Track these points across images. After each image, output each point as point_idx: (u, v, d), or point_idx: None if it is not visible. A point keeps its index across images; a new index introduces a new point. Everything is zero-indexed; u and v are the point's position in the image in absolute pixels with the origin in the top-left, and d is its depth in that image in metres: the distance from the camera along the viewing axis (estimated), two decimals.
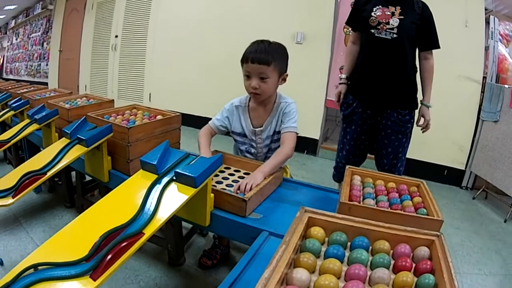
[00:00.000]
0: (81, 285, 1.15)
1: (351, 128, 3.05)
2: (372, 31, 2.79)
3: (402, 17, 2.72)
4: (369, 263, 1.08)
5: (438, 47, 2.85)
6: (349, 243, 1.16)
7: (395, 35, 2.73)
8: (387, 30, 2.74)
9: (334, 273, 0.97)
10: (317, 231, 1.15)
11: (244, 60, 2.20)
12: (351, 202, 1.49)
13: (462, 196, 4.59)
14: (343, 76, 3.15)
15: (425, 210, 1.54)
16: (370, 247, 1.14)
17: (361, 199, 1.65)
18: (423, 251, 1.09)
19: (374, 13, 2.78)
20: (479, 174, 4.53)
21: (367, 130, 2.99)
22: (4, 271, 2.44)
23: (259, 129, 2.34)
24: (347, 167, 1.93)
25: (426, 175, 4.73)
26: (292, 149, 2.19)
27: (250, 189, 1.80)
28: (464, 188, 4.80)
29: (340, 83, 3.19)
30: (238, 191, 1.83)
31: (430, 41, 2.83)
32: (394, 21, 2.72)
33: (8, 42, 15.65)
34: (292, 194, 2.02)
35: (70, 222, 1.44)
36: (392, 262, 1.08)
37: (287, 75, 2.28)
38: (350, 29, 3.14)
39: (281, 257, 0.94)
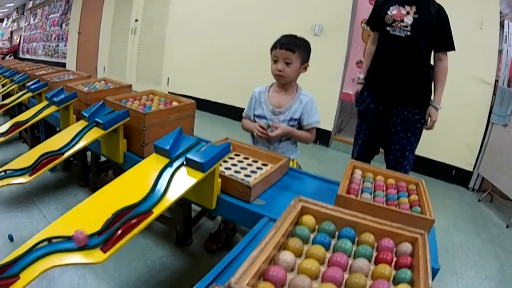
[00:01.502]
0: (92, 256, 1.27)
1: (365, 123, 3.17)
2: (387, 28, 2.90)
3: (416, 16, 2.80)
4: (352, 253, 1.16)
5: (453, 48, 2.89)
6: (337, 233, 1.25)
7: (409, 33, 2.82)
8: (402, 27, 2.83)
9: (317, 258, 1.07)
10: (308, 219, 1.26)
11: (274, 47, 2.54)
12: (347, 195, 1.57)
13: (468, 197, 4.62)
14: (362, 76, 3.26)
15: (419, 209, 1.61)
16: (356, 239, 1.23)
17: (359, 192, 1.73)
18: (406, 247, 1.17)
19: (390, 12, 2.87)
20: (486, 176, 4.56)
21: (379, 125, 3.07)
22: (14, 247, 2.48)
23: (278, 109, 2.60)
24: (349, 161, 2.03)
25: (434, 173, 4.83)
26: (313, 138, 2.66)
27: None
28: (470, 189, 4.83)
29: (358, 83, 3.30)
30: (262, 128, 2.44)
31: (444, 42, 2.88)
32: (409, 19, 2.81)
33: (25, 22, 15.71)
34: (297, 184, 2.12)
35: (83, 200, 1.56)
36: (375, 254, 1.17)
37: (308, 65, 2.59)
38: (369, 28, 3.21)
39: (270, 240, 1.04)
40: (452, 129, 4.17)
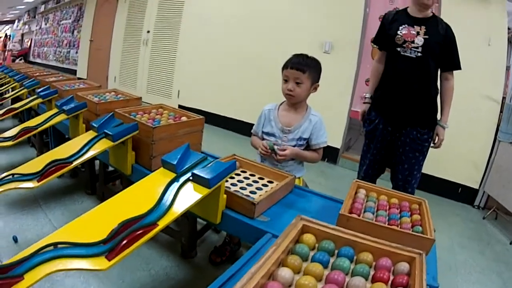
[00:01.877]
0: (97, 263, 1.33)
1: (373, 143, 3.18)
2: (398, 49, 2.92)
3: (426, 36, 2.83)
4: (350, 271, 1.21)
5: (459, 68, 2.93)
6: (336, 251, 1.30)
7: (419, 54, 2.84)
8: (412, 48, 2.85)
9: (315, 275, 1.11)
10: (308, 237, 1.31)
11: (284, 67, 2.59)
12: (349, 214, 1.62)
13: (473, 215, 4.63)
14: (368, 95, 3.30)
15: (420, 228, 1.64)
16: (355, 257, 1.28)
17: (362, 212, 1.77)
18: (403, 266, 1.21)
19: (400, 32, 2.90)
20: (492, 194, 4.58)
21: (387, 145, 3.09)
22: (18, 248, 2.56)
23: (287, 128, 2.64)
24: (354, 180, 2.07)
25: (440, 191, 4.84)
26: (320, 157, 2.72)
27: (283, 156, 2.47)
28: (476, 207, 4.85)
29: (364, 102, 3.34)
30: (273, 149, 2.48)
31: (452, 62, 2.92)
32: (419, 40, 2.83)
33: (37, 26, 15.90)
34: (301, 202, 2.15)
35: (89, 208, 1.61)
36: (372, 273, 1.21)
37: (318, 85, 2.65)
38: (376, 46, 3.24)
39: (270, 257, 1.09)
40: (459, 147, 4.20)
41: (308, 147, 2.69)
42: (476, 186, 4.85)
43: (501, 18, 4.52)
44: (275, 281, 1.07)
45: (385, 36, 3.05)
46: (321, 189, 2.65)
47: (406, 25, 2.91)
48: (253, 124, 2.81)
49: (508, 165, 4.33)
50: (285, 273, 1.09)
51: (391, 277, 1.19)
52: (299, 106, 2.68)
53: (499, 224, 4.40)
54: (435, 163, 4.03)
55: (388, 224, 1.66)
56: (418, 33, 2.86)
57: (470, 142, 4.72)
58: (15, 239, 2.66)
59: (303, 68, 2.51)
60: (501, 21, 4.53)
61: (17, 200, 3.23)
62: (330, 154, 5.81)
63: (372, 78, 3.27)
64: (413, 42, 2.85)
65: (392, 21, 3.03)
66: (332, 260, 1.25)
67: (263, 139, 2.72)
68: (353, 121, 5.99)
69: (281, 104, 2.77)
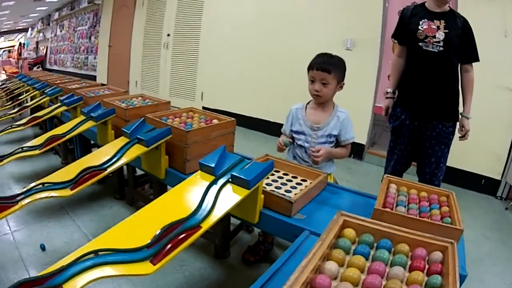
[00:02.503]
0: (141, 269, 1.36)
1: (400, 139, 3.25)
2: (420, 44, 2.99)
3: (447, 30, 2.91)
4: (389, 261, 1.29)
5: (478, 59, 3.00)
6: (375, 244, 1.38)
7: (441, 48, 2.92)
8: (434, 43, 2.92)
9: (359, 267, 1.20)
10: (349, 232, 1.39)
11: (310, 67, 2.68)
12: (383, 209, 1.72)
13: (496, 206, 4.63)
14: (390, 90, 3.37)
15: (449, 219, 1.72)
16: (393, 249, 1.36)
17: (394, 206, 1.86)
18: (437, 255, 1.28)
19: (421, 27, 2.96)
20: None
21: (413, 140, 3.16)
22: (46, 256, 2.67)
23: (316, 125, 2.73)
24: (384, 176, 2.17)
25: (464, 183, 4.86)
26: (348, 152, 2.84)
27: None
28: (499, 198, 4.84)
29: (386, 97, 3.41)
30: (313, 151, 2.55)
31: (471, 54, 2.99)
32: (440, 35, 2.91)
33: (51, 33, 16.01)
34: (335, 198, 2.24)
35: (119, 213, 1.66)
36: (409, 262, 1.29)
37: (343, 83, 2.74)
38: (396, 41, 3.30)
39: (317, 251, 1.18)
40: (480, 139, 4.19)
41: (337, 143, 2.78)
42: (498, 177, 4.85)
43: None
44: (322, 274, 1.15)
45: (406, 31, 3.10)
46: (349, 185, 2.73)
47: (426, 20, 2.97)
48: (279, 123, 2.90)
49: None
50: (331, 266, 1.18)
51: (426, 266, 1.27)
52: (326, 104, 2.76)
53: None
54: (458, 156, 4.02)
55: (419, 217, 1.75)
56: (438, 28, 2.92)
57: (491, 134, 4.72)
58: (43, 247, 2.73)
59: (329, 69, 2.58)
60: None
61: (43, 208, 3.30)
62: (356, 150, 5.83)
63: (393, 73, 3.36)
64: (434, 36, 2.92)
65: (411, 16, 3.08)
66: (372, 252, 1.34)
67: (292, 137, 2.81)
68: (377, 116, 5.97)
69: (308, 103, 2.86)
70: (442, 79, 3.01)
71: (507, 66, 4.58)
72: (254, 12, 6.94)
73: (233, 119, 2.78)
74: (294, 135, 2.82)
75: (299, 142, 2.79)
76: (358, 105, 5.62)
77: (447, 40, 2.91)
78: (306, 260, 1.13)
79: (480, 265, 3.19)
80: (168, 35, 8.44)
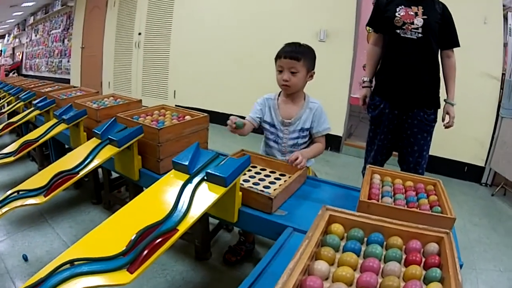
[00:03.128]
0: (119, 278, 1.28)
1: (380, 129, 3.14)
2: (398, 31, 2.88)
3: (425, 16, 2.81)
4: (383, 257, 1.21)
5: (458, 45, 2.94)
6: (365, 239, 1.29)
7: (420, 35, 2.82)
8: (412, 30, 2.83)
9: (351, 265, 1.11)
10: (337, 227, 1.30)
11: (278, 57, 2.52)
12: (369, 201, 1.63)
13: (482, 192, 4.66)
14: (366, 79, 3.25)
15: (439, 208, 1.65)
16: (385, 243, 1.28)
17: (380, 197, 1.77)
18: (433, 247, 1.21)
19: (398, 13, 2.86)
20: (498, 170, 4.61)
21: (393, 129, 3.07)
22: (29, 266, 2.58)
23: (287, 120, 2.58)
24: (367, 166, 2.07)
25: (447, 171, 4.86)
26: (324, 146, 2.61)
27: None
28: (483, 184, 4.87)
29: (363, 86, 3.28)
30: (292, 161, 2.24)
31: (452, 40, 2.92)
32: (419, 21, 2.81)
33: (27, 38, 15.91)
34: (316, 192, 2.16)
35: (97, 218, 1.57)
36: (404, 256, 1.20)
37: (314, 72, 2.58)
38: (372, 30, 3.23)
39: (304, 251, 1.08)
40: (462, 126, 4.18)
41: (311, 136, 2.65)
42: (482, 164, 4.88)
43: None
44: (312, 275, 1.06)
45: (382, 19, 3.00)
46: (328, 178, 2.66)
47: (402, 6, 2.88)
48: None
49: None
50: (321, 266, 1.09)
51: (423, 259, 1.19)
52: (296, 96, 2.63)
53: (508, 200, 4.43)
54: (440, 144, 4.02)
55: (407, 207, 1.67)
56: (416, 14, 2.84)
57: (473, 121, 4.73)
58: (25, 258, 2.65)
59: (298, 56, 2.44)
60: None
61: (23, 216, 3.22)
62: (333, 142, 5.84)
63: (369, 61, 3.26)
64: (412, 23, 2.83)
65: (387, 3, 2.99)
66: (363, 247, 1.25)
67: (263, 128, 2.71)
68: (353, 107, 6.01)
69: (279, 95, 2.71)
70: (422, 66, 2.91)
71: (487, 52, 4.60)
72: (223, 8, 6.90)
73: (206, 114, 2.69)
74: (266, 126, 2.69)
75: (270, 136, 2.67)
76: (334, 97, 5.63)
77: (426, 26, 2.82)
78: (294, 262, 1.03)
79: (470, 252, 3.19)
80: (140, 34, 8.37)
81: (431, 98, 2.97)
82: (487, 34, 4.55)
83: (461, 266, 1.39)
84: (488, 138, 4.78)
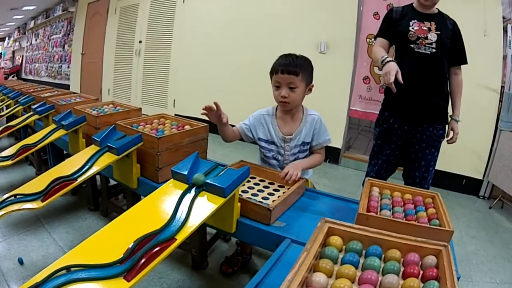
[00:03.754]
0: (115, 286, 1.25)
1: (387, 144, 3.10)
2: (412, 46, 2.86)
3: (439, 32, 2.81)
4: (381, 269, 1.21)
5: (466, 62, 2.96)
6: (364, 251, 1.29)
7: (434, 50, 2.81)
8: (426, 45, 2.81)
9: (349, 277, 1.11)
10: (335, 239, 1.30)
11: (274, 71, 2.42)
12: (368, 213, 1.63)
13: (479, 205, 4.68)
14: (388, 57, 2.78)
15: (437, 221, 1.65)
16: (383, 255, 1.28)
17: (379, 210, 1.78)
18: (431, 259, 1.22)
19: (412, 28, 2.85)
20: (496, 183, 4.62)
21: (401, 145, 3.05)
22: (25, 270, 2.59)
23: (288, 136, 2.51)
24: (366, 179, 2.08)
25: (445, 184, 4.86)
26: (323, 157, 2.58)
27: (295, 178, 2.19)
28: (481, 197, 4.89)
29: (389, 61, 2.74)
30: (285, 177, 2.20)
31: (460, 57, 2.94)
32: (433, 36, 2.81)
33: (27, 42, 15.94)
34: (314, 204, 2.15)
35: (93, 224, 1.56)
36: (402, 269, 1.21)
37: (312, 85, 2.50)
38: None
39: (303, 262, 1.09)
40: (461, 139, 4.17)
41: (311, 148, 2.60)
42: (480, 177, 4.90)
43: (496, 7, 4.56)
44: (310, 287, 1.06)
45: (395, 33, 2.97)
46: (326, 190, 2.66)
47: (415, 21, 2.88)
48: None
49: (511, 154, 4.37)
50: (319, 278, 1.09)
51: (421, 272, 1.20)
52: (295, 111, 2.55)
53: (506, 212, 4.45)
54: (439, 157, 4.04)
55: (405, 220, 1.67)
56: (429, 29, 2.84)
57: (472, 133, 4.70)
58: (21, 261, 2.66)
59: (296, 70, 2.33)
60: (496, 11, 4.57)
61: (20, 220, 3.23)
62: (332, 155, 5.84)
63: (380, 50, 2.95)
64: (426, 38, 2.82)
65: (401, 17, 2.97)
66: (361, 260, 1.25)
67: (260, 146, 2.64)
68: (352, 120, 6.03)
69: (276, 109, 2.63)
70: (434, 81, 2.90)
71: (486, 65, 4.61)
72: (226, 18, 6.90)
73: (205, 124, 2.69)
74: (262, 144, 2.61)
75: (269, 154, 2.59)
76: (333, 109, 5.63)
77: (439, 42, 2.81)
78: (292, 273, 1.04)
79: (467, 264, 3.21)
80: (140, 42, 8.38)
81: (441, 113, 2.97)
82: (487, 47, 4.56)
83: (458, 278, 1.40)
84: (486, 151, 4.80)
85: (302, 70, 2.36)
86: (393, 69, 2.64)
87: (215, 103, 2.38)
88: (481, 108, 4.71)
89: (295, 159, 2.54)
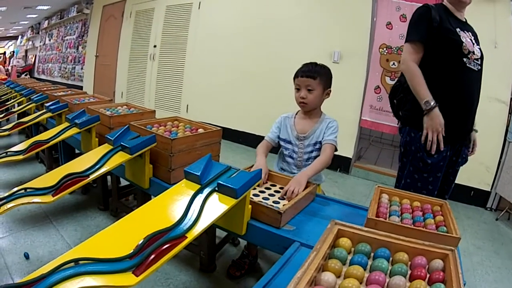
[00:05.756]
0: (124, 280, 1.28)
1: (435, 176, 2.64)
2: (464, 60, 2.47)
3: (479, 46, 2.58)
4: (388, 271, 1.23)
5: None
6: (372, 254, 1.32)
7: (479, 67, 2.56)
8: (475, 60, 2.51)
9: (357, 277, 1.13)
10: (344, 241, 1.33)
11: (296, 76, 2.65)
12: (377, 218, 1.65)
13: (486, 217, 4.67)
14: (432, 100, 2.44)
15: (445, 228, 1.67)
16: (391, 258, 1.30)
17: (387, 216, 1.79)
18: (438, 263, 1.24)
19: (464, 39, 2.47)
20: (503, 195, 4.61)
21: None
22: (30, 264, 2.60)
23: (302, 135, 2.67)
24: (376, 186, 2.09)
25: (453, 196, 4.77)
26: (330, 158, 2.54)
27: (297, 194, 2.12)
28: (488, 209, 4.88)
29: (434, 107, 2.43)
30: (284, 196, 2.15)
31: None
32: (477, 51, 2.54)
33: (40, 42, 16.02)
34: (324, 209, 2.17)
35: (102, 224, 1.57)
36: (409, 271, 1.23)
37: (330, 91, 2.70)
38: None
39: (312, 262, 1.12)
40: None
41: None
42: (488, 189, 4.89)
43: (507, 19, 4.58)
44: (318, 286, 1.09)
45: (444, 40, 2.49)
46: (336, 198, 2.66)
47: (459, 29, 2.50)
48: (263, 137, 2.80)
49: None
50: (328, 277, 1.11)
51: (427, 274, 1.22)
52: (313, 113, 2.72)
53: None
54: None
55: (414, 226, 1.69)
56: (471, 41, 2.53)
57: (481, 145, 4.53)
58: (27, 256, 2.67)
59: (313, 75, 2.56)
60: (507, 22, 4.58)
61: (27, 216, 3.26)
62: (342, 164, 5.85)
63: (422, 81, 2.48)
64: (473, 52, 2.50)
65: (440, 19, 2.50)
66: (369, 262, 1.28)
67: (279, 146, 2.78)
68: (363, 130, 6.02)
69: (297, 113, 2.81)
70: (477, 102, 2.66)
71: (496, 77, 4.59)
72: (241, 25, 6.92)
73: (219, 128, 2.73)
74: (282, 143, 2.78)
75: (286, 152, 2.73)
76: (345, 119, 5.57)
77: (482, 58, 2.58)
78: (301, 271, 1.06)
79: (473, 274, 3.21)
80: (155, 46, 8.40)
81: (470, 133, 2.77)
82: (498, 58, 4.55)
83: (464, 284, 1.43)
84: (495, 162, 4.80)
85: (319, 75, 2.58)
86: (441, 124, 2.43)
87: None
88: (490, 120, 4.70)
89: (308, 158, 2.67)
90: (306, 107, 2.68)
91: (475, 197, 4.97)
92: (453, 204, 4.67)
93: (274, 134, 2.79)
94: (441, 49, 2.50)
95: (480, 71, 2.57)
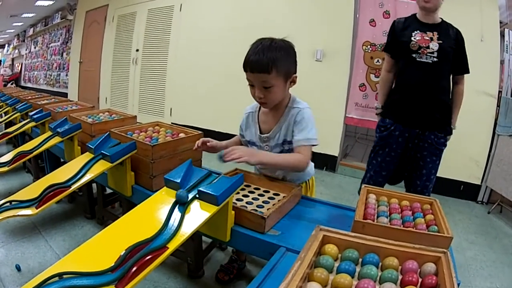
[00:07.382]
0: None
1: (385, 150, 3.17)
2: (413, 55, 2.95)
3: (441, 41, 2.89)
4: (378, 278, 1.17)
5: (468, 71, 3.02)
6: (360, 260, 1.26)
7: (435, 59, 2.89)
8: (428, 54, 2.90)
9: (344, 287, 1.07)
10: (330, 248, 1.26)
11: (244, 68, 2.10)
12: (365, 221, 1.58)
13: (478, 210, 4.68)
14: (379, 106, 3.32)
15: (436, 227, 1.61)
16: (380, 263, 1.24)
17: (375, 217, 1.73)
18: (430, 267, 1.18)
19: (414, 38, 2.94)
20: (494, 188, 4.62)
21: (400, 153, 3.09)
22: (22, 277, 2.58)
23: (265, 135, 2.25)
24: (362, 186, 2.02)
25: (443, 190, 4.84)
26: (300, 162, 2.10)
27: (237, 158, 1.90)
28: (479, 202, 4.89)
29: (377, 114, 3.36)
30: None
31: (463, 66, 3.00)
32: (434, 45, 2.89)
33: (26, 50, 16.10)
34: (310, 212, 2.10)
35: (90, 232, 1.53)
36: (400, 277, 1.17)
37: (295, 76, 2.16)
38: (389, 55, 3.21)
39: (296, 272, 1.05)
40: (458, 144, 4.21)
41: None
42: (478, 182, 4.91)
43: (493, 12, 4.59)
44: None
45: (398, 43, 3.08)
46: (323, 198, 2.62)
47: (418, 31, 2.96)
48: None
49: (509, 158, 4.38)
50: (313, 287, 1.05)
51: (419, 279, 1.16)
52: (279, 106, 2.22)
53: (505, 217, 4.46)
54: None
55: (403, 227, 1.63)
56: (431, 39, 2.91)
57: (470, 139, 4.75)
58: (18, 268, 2.66)
59: (266, 68, 1.97)
60: (493, 15, 4.60)
61: (17, 227, 3.23)
62: (328, 162, 5.83)
63: (383, 89, 3.32)
64: (428, 47, 2.90)
65: (403, 28, 3.07)
66: (357, 268, 1.22)
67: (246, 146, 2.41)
68: (348, 127, 6.04)
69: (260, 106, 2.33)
70: (436, 90, 2.97)
71: (484, 70, 4.61)
72: (222, 26, 6.90)
73: (200, 132, 2.63)
74: (248, 145, 2.39)
75: None
76: (330, 117, 5.61)
77: (441, 51, 2.89)
78: (285, 283, 1.00)
79: (466, 270, 3.20)
80: (137, 50, 8.38)
81: (443, 121, 3.02)
82: (484, 52, 4.58)
83: (458, 285, 1.36)
84: (484, 156, 4.82)
85: (275, 64, 1.99)
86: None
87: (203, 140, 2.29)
88: (479, 114, 4.74)
89: None
90: (267, 106, 2.19)
91: (465, 191, 4.98)
92: (443, 199, 4.72)
93: (240, 131, 2.48)
94: (396, 50, 3.14)
95: (437, 62, 2.91)
